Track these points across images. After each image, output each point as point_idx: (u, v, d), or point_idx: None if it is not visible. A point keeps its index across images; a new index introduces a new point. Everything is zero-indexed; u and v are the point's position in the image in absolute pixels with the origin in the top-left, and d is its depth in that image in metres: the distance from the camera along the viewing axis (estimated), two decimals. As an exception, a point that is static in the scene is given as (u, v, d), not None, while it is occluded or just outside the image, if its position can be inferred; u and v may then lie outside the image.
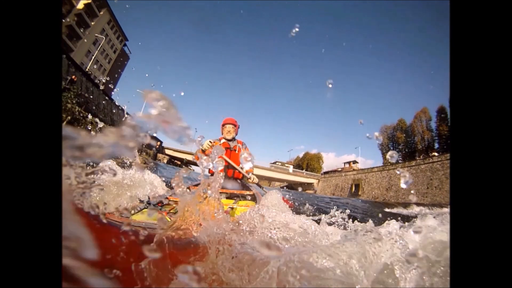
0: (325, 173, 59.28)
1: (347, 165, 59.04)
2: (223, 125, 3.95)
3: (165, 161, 31.50)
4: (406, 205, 18.03)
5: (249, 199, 3.31)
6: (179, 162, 38.01)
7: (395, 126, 52.70)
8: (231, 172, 3.77)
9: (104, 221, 0.57)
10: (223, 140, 3.86)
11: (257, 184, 3.82)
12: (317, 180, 55.16)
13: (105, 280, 0.55)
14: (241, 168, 3.73)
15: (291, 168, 60.43)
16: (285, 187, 51.45)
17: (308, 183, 55.26)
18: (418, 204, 18.07)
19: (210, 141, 3.40)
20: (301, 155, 78.92)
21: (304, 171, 62.67)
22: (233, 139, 3.96)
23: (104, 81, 34.83)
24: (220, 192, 2.96)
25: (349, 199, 18.01)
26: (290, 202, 3.88)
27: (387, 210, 13.49)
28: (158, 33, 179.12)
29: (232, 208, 2.65)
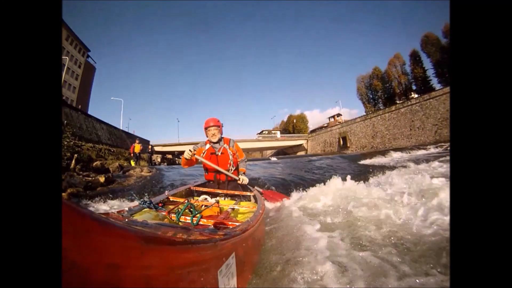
0: (312, 131, 59.81)
1: (332, 120, 59.24)
2: (206, 128, 3.64)
3: (159, 159, 31.41)
4: (384, 152, 18.30)
5: (250, 200, 3.33)
6: (170, 156, 38.03)
7: (370, 75, 52.71)
8: (223, 177, 3.58)
9: (105, 220, 0.56)
10: (208, 145, 3.62)
11: (248, 184, 3.73)
12: (306, 140, 55.93)
13: (106, 279, 0.58)
14: (229, 171, 3.57)
15: (278, 134, 61.21)
16: (276, 156, 52.05)
17: (298, 145, 56.08)
18: (396, 150, 18.71)
19: (190, 150, 3.23)
20: (285, 119, 79.71)
21: (291, 134, 63.40)
22: (219, 140, 3.68)
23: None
24: (222, 193, 3.33)
25: (327, 157, 18.33)
26: (284, 196, 4.26)
27: (361, 162, 13.58)
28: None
29: (233, 209, 2.68)
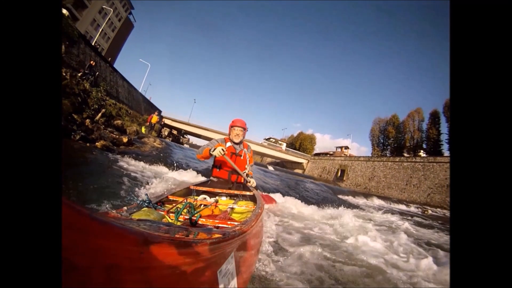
0: (316, 154, 60.56)
1: (339, 150, 59.64)
2: (231, 126, 3.72)
3: (166, 133, 31.85)
4: (367, 195, 18.78)
5: (249, 199, 3.31)
6: (175, 132, 38.64)
7: (388, 120, 53.77)
8: (234, 177, 3.65)
9: (105, 220, 0.56)
10: (228, 143, 3.69)
11: (255, 187, 3.78)
12: (307, 161, 56.53)
13: (105, 280, 0.58)
14: (246, 174, 3.69)
15: (284, 146, 62.00)
16: (273, 166, 52.60)
17: (298, 162, 56.78)
18: (379, 197, 19.26)
19: (222, 149, 3.26)
20: (295, 134, 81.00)
21: (296, 150, 63.78)
22: (240, 142, 3.78)
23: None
24: (221, 193, 3.32)
25: (315, 182, 18.60)
26: (274, 200, 4.65)
27: (340, 196, 14.31)
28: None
29: (232, 208, 2.70)
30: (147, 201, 2.04)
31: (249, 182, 3.71)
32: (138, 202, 2.02)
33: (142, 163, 6.49)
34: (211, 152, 3.27)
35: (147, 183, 4.78)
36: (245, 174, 3.69)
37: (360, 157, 44.95)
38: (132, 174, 5.28)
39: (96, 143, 6.68)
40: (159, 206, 2.18)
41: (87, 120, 8.27)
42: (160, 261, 0.75)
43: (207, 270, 1.05)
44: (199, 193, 3.21)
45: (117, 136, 8.38)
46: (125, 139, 8.26)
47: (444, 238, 6.78)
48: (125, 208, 1.82)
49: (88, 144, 6.51)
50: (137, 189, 4.36)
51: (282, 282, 2.04)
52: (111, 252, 0.59)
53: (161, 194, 2.68)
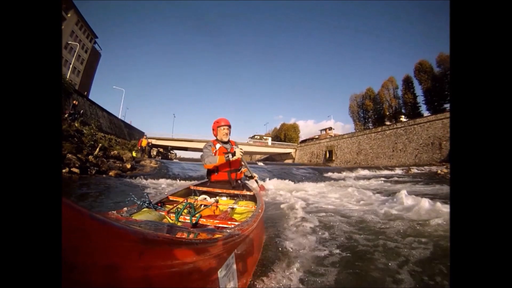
0: (302, 141, 61.43)
1: (323, 132, 61.38)
2: (218, 127, 3.56)
3: (154, 153, 32.09)
4: (352, 169, 20.04)
5: (249, 199, 3.26)
6: (162, 150, 38.89)
7: (363, 95, 54.63)
8: (234, 175, 3.54)
9: (105, 220, 0.56)
10: (218, 145, 3.49)
11: (256, 180, 3.92)
12: (295, 150, 57.41)
13: (105, 280, 0.58)
14: (239, 171, 3.64)
15: (269, 141, 62.46)
16: (263, 162, 53.24)
17: (286, 153, 57.54)
18: (364, 168, 20.23)
19: (241, 149, 3.29)
20: (278, 126, 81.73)
21: (282, 142, 64.77)
22: (228, 141, 3.64)
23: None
24: (221, 193, 3.27)
25: (300, 167, 19.48)
26: (264, 188, 4.43)
27: (323, 174, 15.29)
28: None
29: (232, 208, 2.67)
30: (147, 202, 2.04)
31: (255, 176, 3.97)
32: (139, 203, 2.02)
33: (153, 180, 7.70)
34: (230, 158, 3.23)
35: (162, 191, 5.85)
36: (239, 171, 3.70)
37: (344, 135, 46.05)
38: (148, 188, 6.44)
39: (110, 173, 7.81)
40: (160, 207, 2.19)
41: (90, 157, 9.17)
42: (160, 261, 0.76)
43: (207, 270, 1.07)
44: (199, 193, 3.22)
45: (120, 165, 9.41)
46: (128, 166, 9.34)
47: (409, 187, 8.31)
48: (126, 209, 1.84)
49: (104, 175, 7.59)
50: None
51: (283, 281, 2.05)
52: (111, 252, 0.61)
53: (161, 194, 2.70)
